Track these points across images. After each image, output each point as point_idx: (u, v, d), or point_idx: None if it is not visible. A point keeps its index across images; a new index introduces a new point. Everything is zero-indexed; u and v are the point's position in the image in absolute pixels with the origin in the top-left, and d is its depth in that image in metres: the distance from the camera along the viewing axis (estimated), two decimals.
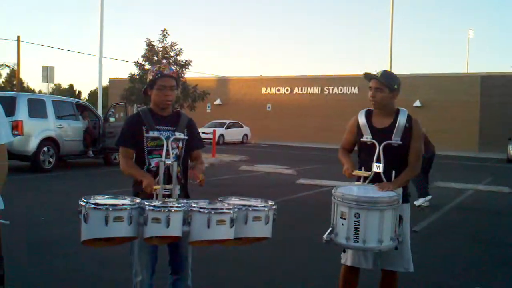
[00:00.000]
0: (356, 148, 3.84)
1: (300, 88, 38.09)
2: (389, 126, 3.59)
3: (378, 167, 3.51)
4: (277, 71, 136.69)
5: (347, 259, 3.61)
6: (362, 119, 3.69)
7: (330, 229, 3.29)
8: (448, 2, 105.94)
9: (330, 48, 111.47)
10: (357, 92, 35.04)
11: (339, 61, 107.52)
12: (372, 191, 3.34)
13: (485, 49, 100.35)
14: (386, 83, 3.57)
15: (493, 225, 8.50)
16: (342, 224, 3.20)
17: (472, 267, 5.87)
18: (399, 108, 3.69)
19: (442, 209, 9.76)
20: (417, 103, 32.77)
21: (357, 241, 3.15)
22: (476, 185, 13.40)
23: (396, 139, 3.53)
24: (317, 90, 37.36)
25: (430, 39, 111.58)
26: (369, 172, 3.54)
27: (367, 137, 3.60)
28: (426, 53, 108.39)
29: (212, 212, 2.81)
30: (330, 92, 36.61)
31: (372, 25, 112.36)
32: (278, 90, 38.86)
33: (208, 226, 2.79)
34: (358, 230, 3.14)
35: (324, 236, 3.27)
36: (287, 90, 38.56)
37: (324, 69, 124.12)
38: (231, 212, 2.85)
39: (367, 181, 3.54)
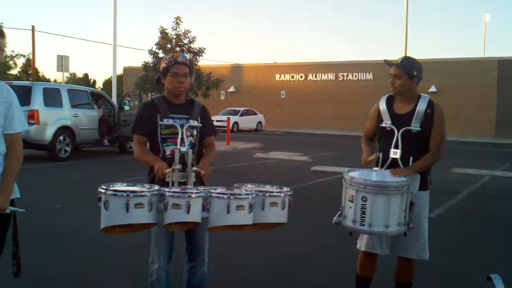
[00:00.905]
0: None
1: (314, 74, 37.90)
2: (409, 112, 3.56)
3: (395, 153, 3.50)
4: (291, 57, 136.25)
5: (361, 244, 3.63)
6: (383, 105, 3.68)
7: (340, 212, 3.33)
8: None
9: (344, 34, 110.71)
10: (371, 78, 34.79)
11: (354, 47, 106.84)
12: (378, 175, 3.36)
13: (502, 33, 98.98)
14: (405, 70, 3.54)
15: (510, 211, 8.42)
16: (350, 207, 3.23)
17: (490, 253, 5.83)
18: (421, 94, 3.66)
19: (458, 195, 9.69)
20: (433, 89, 32.44)
21: (363, 225, 3.17)
22: (493, 171, 13.27)
23: (415, 125, 3.50)
24: (331, 76, 37.15)
25: (446, 23, 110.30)
26: (374, 156, 3.56)
27: (386, 123, 3.59)
28: (442, 38, 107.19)
29: (232, 197, 2.82)
30: (345, 78, 36.39)
31: (387, 10, 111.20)
32: (292, 77, 38.71)
33: (228, 212, 2.81)
34: (365, 214, 3.16)
35: (334, 218, 3.33)
36: (301, 77, 38.40)
37: (338, 55, 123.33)
38: (250, 197, 2.86)
39: (384, 167, 3.53)
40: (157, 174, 3.16)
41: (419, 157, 3.50)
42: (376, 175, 3.39)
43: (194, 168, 3.25)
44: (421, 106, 3.55)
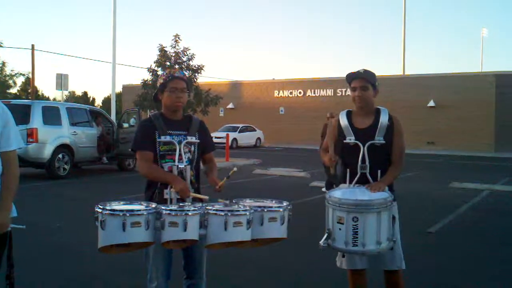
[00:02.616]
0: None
1: (312, 90, 37.99)
2: (371, 125, 3.57)
3: (364, 168, 3.48)
4: (290, 74, 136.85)
5: (342, 262, 3.62)
6: (343, 121, 3.66)
7: (326, 235, 3.26)
8: (461, 1, 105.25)
9: (343, 50, 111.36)
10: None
11: (352, 63, 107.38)
12: (361, 193, 3.30)
13: (499, 48, 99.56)
14: (371, 81, 3.57)
15: (510, 226, 8.39)
16: (340, 229, 3.17)
17: (489, 268, 5.80)
18: (378, 107, 3.67)
19: (458, 209, 9.66)
20: (431, 103, 32.52)
21: (356, 245, 3.14)
22: (492, 185, 13.25)
23: (379, 138, 3.50)
24: (329, 92, 37.24)
25: (443, 38, 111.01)
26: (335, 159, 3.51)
27: (350, 139, 3.57)
28: (439, 53, 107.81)
29: (229, 214, 2.81)
30: (343, 94, 36.46)
31: (385, 26, 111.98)
32: (291, 93, 38.80)
33: (225, 228, 2.79)
34: (357, 234, 3.12)
35: (321, 242, 3.24)
36: (299, 93, 38.49)
37: (337, 71, 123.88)
38: (248, 213, 2.85)
39: (353, 183, 3.50)
40: (181, 195, 3.13)
41: (385, 168, 3.51)
42: (359, 192, 3.33)
43: (196, 195, 3.24)
44: (384, 119, 3.57)
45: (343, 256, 3.56)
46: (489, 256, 6.33)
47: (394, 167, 3.56)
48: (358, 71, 3.62)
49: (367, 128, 3.57)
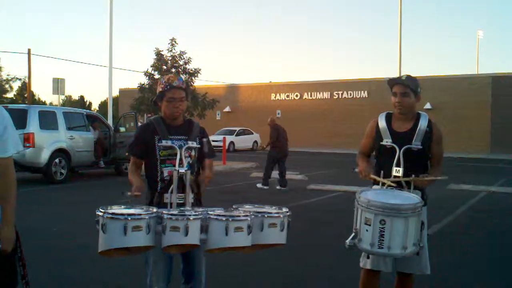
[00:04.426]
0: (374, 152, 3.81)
1: (309, 93, 38.05)
2: (410, 130, 3.57)
3: (397, 171, 3.48)
4: (286, 77, 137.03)
5: (366, 262, 3.59)
6: (382, 123, 3.66)
7: (353, 234, 3.25)
8: (456, 3, 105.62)
9: (339, 53, 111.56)
10: (366, 96, 34.97)
11: (348, 65, 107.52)
12: (393, 196, 3.29)
13: (495, 50, 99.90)
14: (413, 88, 3.55)
15: (507, 227, 8.42)
16: (367, 230, 3.16)
17: (487, 269, 5.82)
18: (419, 112, 3.67)
19: (455, 211, 9.68)
20: (428, 106, 32.58)
21: (382, 247, 3.12)
22: (489, 187, 13.29)
23: (416, 144, 3.50)
24: (326, 95, 37.31)
25: (439, 41, 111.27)
26: (388, 181, 3.50)
27: (387, 141, 3.57)
28: (436, 55, 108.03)
29: (230, 219, 2.81)
30: (340, 97, 36.55)
31: (381, 29, 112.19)
32: (288, 96, 38.85)
33: (226, 234, 2.80)
34: (383, 237, 3.10)
35: (347, 241, 3.23)
36: (296, 96, 38.54)
37: (333, 74, 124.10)
38: (248, 219, 2.86)
39: (385, 186, 3.50)
40: (134, 192, 3.20)
41: (420, 174, 3.49)
42: (391, 195, 3.32)
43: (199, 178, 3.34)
44: (423, 124, 3.56)
45: (368, 257, 3.55)
46: (487, 257, 6.34)
47: (436, 170, 3.61)
48: (401, 76, 3.61)
49: (406, 132, 3.57)
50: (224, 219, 2.81)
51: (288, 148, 13.81)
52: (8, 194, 2.73)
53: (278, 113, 38.79)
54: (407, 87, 3.54)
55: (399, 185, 3.48)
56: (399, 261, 3.51)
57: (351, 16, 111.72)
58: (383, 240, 3.10)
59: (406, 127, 3.59)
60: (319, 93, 37.61)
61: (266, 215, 2.97)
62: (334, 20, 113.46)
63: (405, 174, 3.47)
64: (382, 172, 3.55)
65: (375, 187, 3.58)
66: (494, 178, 15.99)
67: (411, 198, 3.27)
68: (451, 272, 5.62)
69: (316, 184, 13.40)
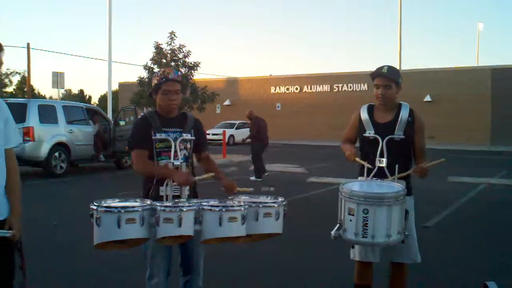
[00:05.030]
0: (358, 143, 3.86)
1: (309, 86, 38.01)
2: (392, 120, 3.61)
3: (381, 162, 3.54)
4: (286, 70, 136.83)
5: (355, 254, 3.66)
6: (364, 114, 3.71)
7: (338, 225, 3.29)
8: None
9: (338, 45, 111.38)
10: (366, 89, 34.87)
11: (348, 58, 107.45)
12: (378, 186, 3.35)
13: (495, 42, 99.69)
14: (394, 79, 3.59)
15: (507, 219, 8.43)
16: (350, 220, 3.20)
17: (487, 261, 5.82)
18: (401, 102, 3.71)
19: (455, 203, 9.69)
20: (428, 98, 32.58)
21: (366, 237, 3.15)
22: (489, 179, 13.29)
23: (398, 134, 3.55)
24: (326, 88, 37.27)
25: (439, 33, 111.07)
26: (370, 166, 3.55)
27: (370, 132, 3.62)
28: (435, 47, 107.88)
29: (223, 209, 2.82)
30: (339, 89, 36.51)
31: (380, 21, 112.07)
32: (287, 89, 38.81)
33: (220, 224, 2.81)
34: (367, 226, 3.13)
35: (332, 232, 3.28)
36: (296, 88, 38.50)
37: (333, 67, 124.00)
38: (242, 209, 2.86)
39: (370, 176, 3.56)
40: (182, 184, 3.16)
41: (403, 163, 3.56)
42: (375, 185, 3.38)
43: (241, 189, 3.32)
44: (404, 114, 3.61)
45: (353, 247, 3.62)
46: (487, 250, 6.35)
47: (422, 158, 3.63)
48: (382, 69, 3.63)
49: (388, 123, 3.61)
50: (217, 209, 2.82)
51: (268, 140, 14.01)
52: (14, 187, 2.78)
53: (278, 106, 38.78)
54: (389, 79, 3.59)
55: (382, 175, 3.52)
56: (389, 252, 3.56)
57: (351, 9, 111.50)
58: (366, 229, 3.13)
59: (388, 118, 3.64)
60: (319, 86, 37.57)
61: (261, 205, 2.98)
62: (334, 12, 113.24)
63: (389, 164, 3.52)
64: (366, 162, 3.60)
65: (360, 178, 3.63)
66: (495, 170, 15.99)
67: (394, 187, 3.32)
68: (448, 265, 5.62)
69: (316, 177, 13.40)
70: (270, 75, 41.70)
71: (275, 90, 39.23)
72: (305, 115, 36.79)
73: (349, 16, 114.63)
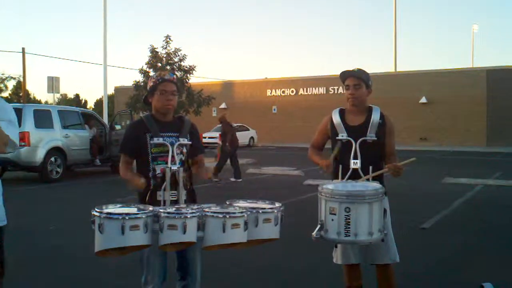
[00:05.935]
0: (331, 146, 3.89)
1: (305, 89, 38.05)
2: (364, 123, 3.66)
3: (355, 164, 3.58)
4: (282, 72, 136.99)
5: (337, 257, 3.70)
6: (336, 118, 3.76)
7: (319, 226, 3.30)
8: None
9: (334, 47, 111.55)
10: None
11: (343, 60, 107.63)
12: (352, 187, 3.37)
13: (490, 43, 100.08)
14: (364, 79, 3.65)
15: (504, 220, 8.43)
16: (332, 219, 3.20)
17: (484, 262, 5.82)
18: (371, 105, 3.76)
19: (452, 204, 9.70)
20: (423, 100, 32.64)
21: (349, 235, 3.15)
22: (485, 180, 13.31)
23: (371, 135, 3.60)
24: (322, 90, 37.31)
25: (434, 35, 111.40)
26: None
27: (342, 135, 3.67)
28: (431, 49, 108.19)
29: (227, 216, 2.80)
30: (335, 92, 36.53)
31: (376, 23, 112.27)
32: (283, 91, 38.83)
33: (224, 231, 2.79)
34: (349, 224, 3.14)
35: (314, 234, 3.28)
36: (292, 91, 38.53)
37: (329, 69, 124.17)
38: (245, 215, 2.86)
39: (345, 178, 3.59)
40: (136, 187, 3.20)
41: (376, 165, 3.61)
42: (350, 186, 3.40)
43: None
44: (375, 116, 3.66)
45: (336, 246, 3.65)
46: (484, 251, 6.35)
47: (392, 159, 3.67)
48: (352, 69, 3.70)
49: (359, 126, 3.66)
50: (221, 216, 2.80)
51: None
52: None
53: (274, 109, 38.79)
54: (359, 79, 3.64)
55: (357, 177, 3.56)
56: (369, 255, 3.59)
57: (346, 11, 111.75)
58: (349, 228, 3.14)
59: (359, 121, 3.69)
60: (315, 89, 37.61)
61: (260, 211, 2.98)
62: (329, 15, 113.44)
63: (363, 165, 3.56)
64: (340, 166, 3.64)
65: (335, 181, 3.66)
66: (491, 171, 16.02)
67: (371, 185, 3.35)
68: (444, 265, 5.62)
69: (312, 180, 13.39)
70: (266, 78, 41.72)
71: (271, 93, 39.25)
72: (302, 118, 36.79)
73: (345, 18, 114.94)
